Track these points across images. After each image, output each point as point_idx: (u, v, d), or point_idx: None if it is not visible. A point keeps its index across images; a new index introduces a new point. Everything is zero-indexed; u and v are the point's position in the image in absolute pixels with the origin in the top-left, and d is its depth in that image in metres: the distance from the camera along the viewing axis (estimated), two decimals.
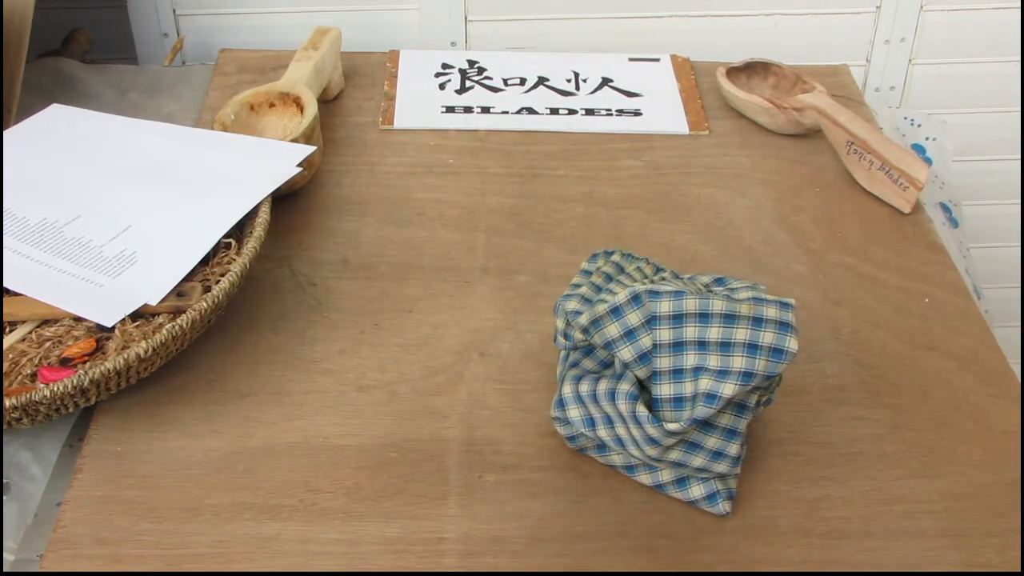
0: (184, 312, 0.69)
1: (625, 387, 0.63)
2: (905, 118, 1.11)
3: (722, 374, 0.61)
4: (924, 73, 1.28)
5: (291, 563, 0.62)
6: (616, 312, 0.63)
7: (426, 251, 0.85)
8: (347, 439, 0.69)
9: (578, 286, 0.68)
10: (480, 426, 0.71)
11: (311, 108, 0.90)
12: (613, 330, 0.63)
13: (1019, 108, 1.29)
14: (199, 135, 0.87)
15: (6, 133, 0.84)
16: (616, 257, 0.71)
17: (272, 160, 0.82)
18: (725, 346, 0.61)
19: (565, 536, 0.64)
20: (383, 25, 1.20)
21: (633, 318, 0.63)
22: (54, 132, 0.86)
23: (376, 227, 0.87)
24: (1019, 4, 1.19)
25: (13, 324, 0.72)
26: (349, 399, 0.72)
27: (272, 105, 0.93)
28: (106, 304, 0.70)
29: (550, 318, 0.79)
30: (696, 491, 0.65)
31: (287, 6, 1.18)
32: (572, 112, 1.02)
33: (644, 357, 0.63)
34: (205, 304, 0.69)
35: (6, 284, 0.72)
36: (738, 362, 0.61)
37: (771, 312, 0.62)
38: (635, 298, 0.63)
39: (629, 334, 0.63)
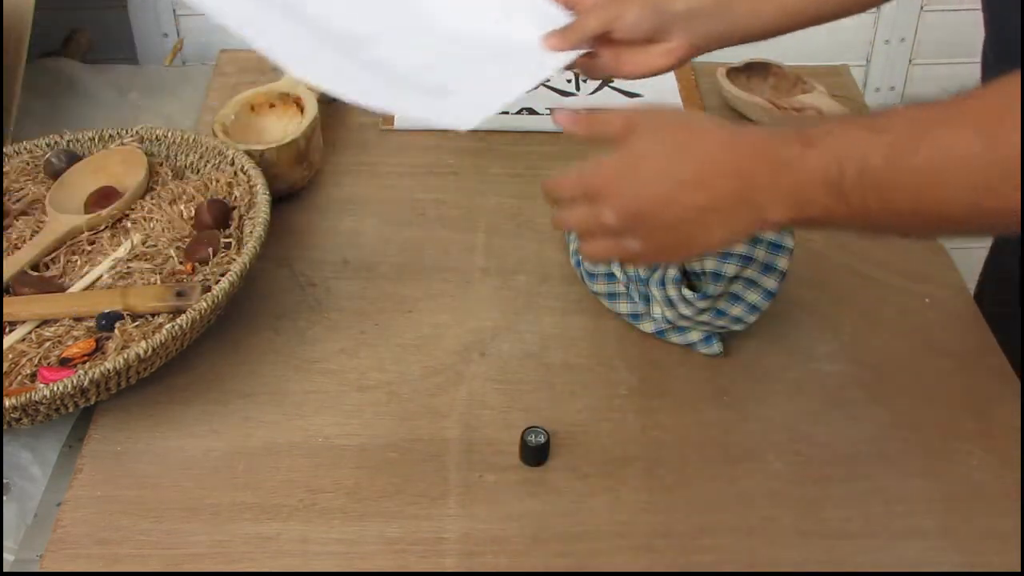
0: (184, 312, 0.69)
1: (672, 272, 0.73)
2: None
3: (725, 256, 0.71)
4: (924, 73, 1.28)
5: (291, 563, 0.62)
6: None
7: (426, 251, 0.85)
8: (347, 439, 0.69)
9: None
10: (480, 426, 0.71)
11: (311, 109, 0.90)
12: None
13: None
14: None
15: None
16: None
17: None
18: None
19: (565, 536, 0.64)
20: None
21: None
22: None
23: (376, 227, 0.87)
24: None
25: (13, 324, 0.72)
26: (349, 399, 0.72)
27: (272, 105, 0.93)
28: (442, 108, 0.66)
29: (550, 318, 0.79)
30: (694, 335, 0.76)
31: None
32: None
33: None
34: (205, 304, 0.69)
35: (333, 89, 0.64)
36: (740, 247, 0.71)
37: None
38: None
39: None
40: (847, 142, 0.53)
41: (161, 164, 0.86)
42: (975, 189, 0.49)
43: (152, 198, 0.82)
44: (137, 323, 0.71)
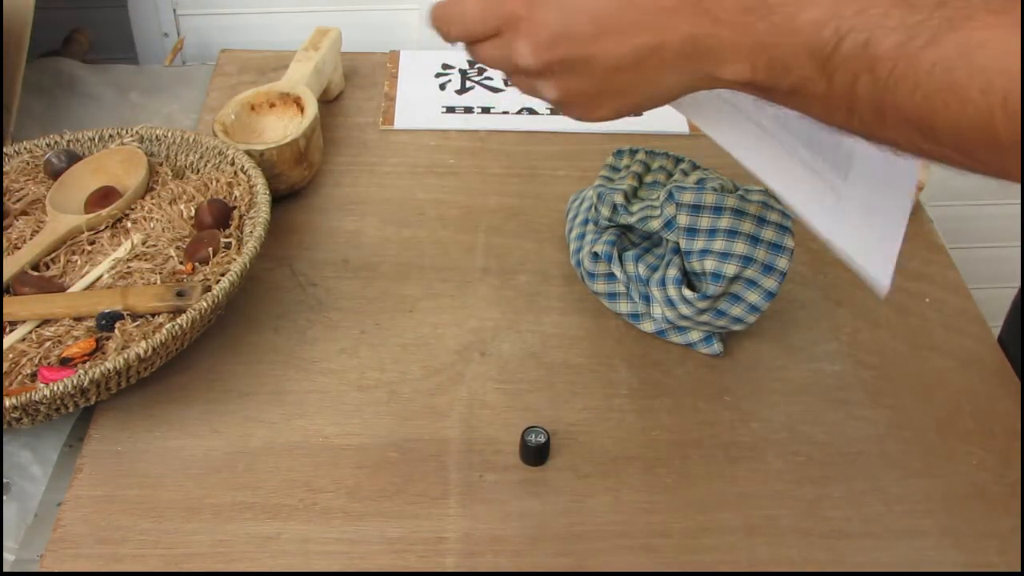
0: (184, 312, 0.69)
1: (672, 272, 0.74)
2: None
3: (725, 256, 0.71)
4: None
5: (291, 563, 0.62)
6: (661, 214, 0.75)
7: (426, 251, 0.85)
8: (347, 439, 0.69)
9: (610, 179, 0.82)
10: (480, 426, 0.71)
11: (311, 108, 0.90)
12: (655, 224, 0.75)
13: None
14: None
15: None
16: (641, 155, 0.83)
17: None
18: (732, 234, 0.71)
19: (565, 536, 0.64)
20: (383, 25, 1.20)
21: (670, 210, 0.74)
22: None
23: (376, 227, 0.87)
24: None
25: (13, 324, 0.72)
26: (349, 399, 0.72)
27: (272, 105, 0.93)
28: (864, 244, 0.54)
29: (550, 318, 0.79)
30: (694, 335, 0.76)
31: (287, 6, 1.18)
32: None
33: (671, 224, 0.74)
34: (205, 304, 0.69)
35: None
36: (740, 247, 0.71)
37: (774, 216, 0.72)
38: (669, 196, 0.74)
39: (668, 223, 0.74)
40: (859, 4, 0.42)
41: (161, 164, 0.86)
42: (990, 102, 0.40)
43: (152, 198, 0.82)
44: (137, 323, 0.71)
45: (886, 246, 0.56)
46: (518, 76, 0.50)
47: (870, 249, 0.56)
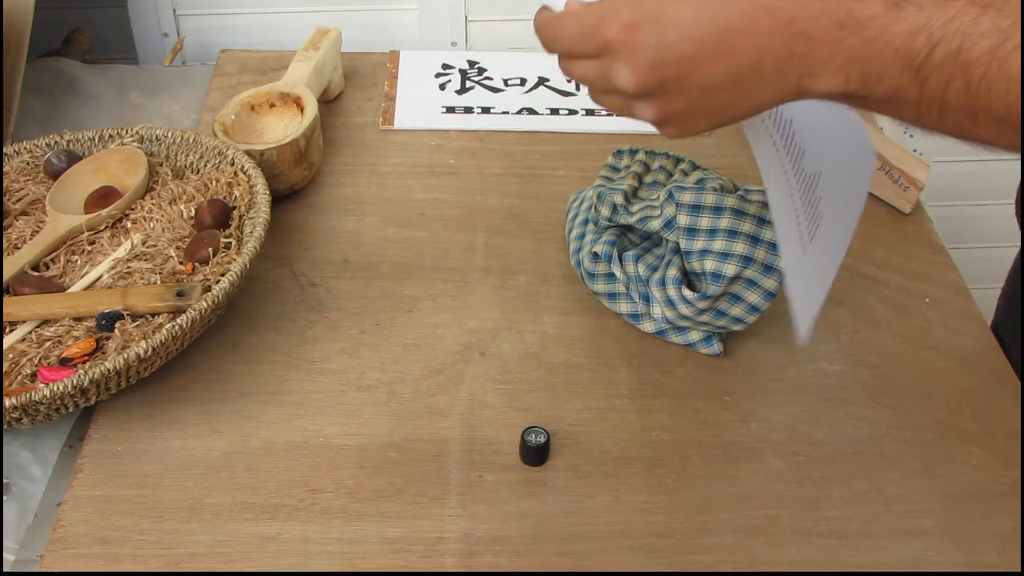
0: (184, 312, 0.69)
1: (672, 272, 0.74)
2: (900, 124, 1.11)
3: (725, 256, 0.71)
4: None
5: (291, 563, 0.62)
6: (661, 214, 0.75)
7: (426, 251, 0.85)
8: (347, 439, 0.69)
9: (610, 179, 0.83)
10: (480, 426, 0.71)
11: (311, 108, 0.90)
12: (655, 224, 0.75)
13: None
14: None
15: None
16: (641, 156, 0.84)
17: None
18: (732, 234, 0.71)
19: (565, 536, 0.64)
20: (383, 25, 1.20)
21: (670, 210, 0.74)
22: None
23: (376, 227, 0.87)
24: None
25: (13, 324, 0.72)
26: (349, 399, 0.72)
27: (272, 105, 0.93)
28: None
29: (550, 318, 0.79)
30: (694, 335, 0.76)
31: (287, 6, 1.18)
32: (572, 112, 1.02)
33: (671, 224, 0.74)
34: (205, 304, 0.69)
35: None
36: (740, 247, 0.71)
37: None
38: (669, 196, 0.74)
39: (668, 223, 0.74)
40: (948, 13, 0.44)
41: (161, 164, 0.86)
42: None
43: (152, 198, 0.82)
44: (137, 323, 0.71)
45: (812, 305, 0.63)
46: (614, 96, 0.51)
47: (806, 303, 0.62)
